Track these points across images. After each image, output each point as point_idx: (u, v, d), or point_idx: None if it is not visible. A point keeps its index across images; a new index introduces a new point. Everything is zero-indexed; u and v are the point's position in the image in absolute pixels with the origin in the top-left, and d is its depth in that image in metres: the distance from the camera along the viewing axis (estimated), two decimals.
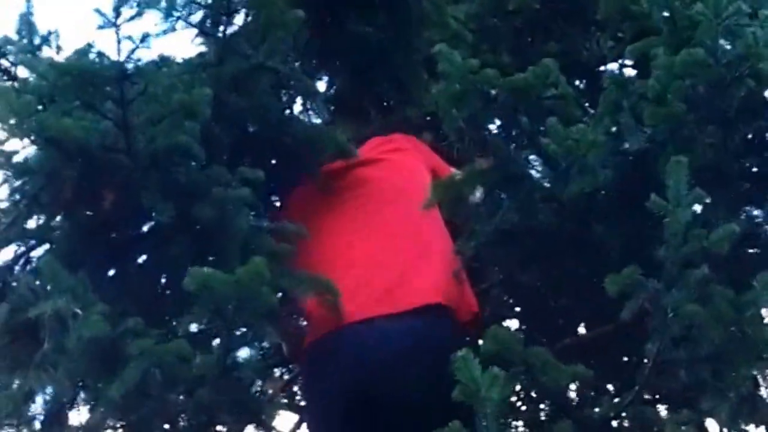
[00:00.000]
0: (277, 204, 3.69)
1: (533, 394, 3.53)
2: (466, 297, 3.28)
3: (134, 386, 2.64)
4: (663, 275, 2.72)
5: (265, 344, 4.26)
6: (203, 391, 2.75)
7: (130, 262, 3.11)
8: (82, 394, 3.00)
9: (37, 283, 2.86)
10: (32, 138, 2.92)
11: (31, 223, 3.08)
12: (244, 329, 2.85)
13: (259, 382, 3.18)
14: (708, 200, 2.83)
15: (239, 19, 3.52)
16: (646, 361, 2.87)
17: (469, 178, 3.23)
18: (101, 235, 3.01)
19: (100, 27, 2.90)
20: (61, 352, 2.71)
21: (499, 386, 2.36)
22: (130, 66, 2.92)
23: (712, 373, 2.78)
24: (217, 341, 2.90)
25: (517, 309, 4.07)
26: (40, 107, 2.88)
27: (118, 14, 2.88)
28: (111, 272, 3.11)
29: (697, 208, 2.83)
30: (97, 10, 2.89)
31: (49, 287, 2.74)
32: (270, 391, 3.75)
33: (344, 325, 3.07)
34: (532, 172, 3.27)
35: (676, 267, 2.71)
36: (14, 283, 3.02)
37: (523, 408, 3.79)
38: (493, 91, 3.13)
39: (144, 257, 3.12)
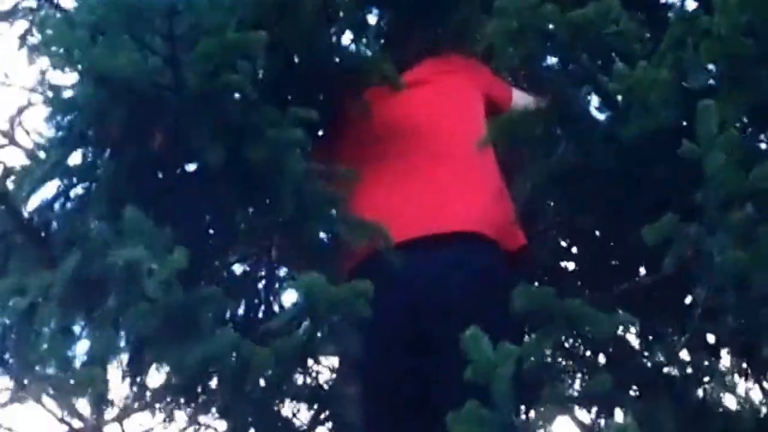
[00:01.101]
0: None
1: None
2: (512, 228, 3.25)
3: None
4: (704, 220, 2.64)
5: None
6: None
7: (176, 202, 3.04)
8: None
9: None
10: (81, 74, 2.86)
11: (74, 159, 3.03)
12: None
13: None
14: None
15: None
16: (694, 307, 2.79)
17: (525, 118, 3.13)
18: (148, 174, 2.95)
19: None
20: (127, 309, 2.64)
21: (512, 362, 2.27)
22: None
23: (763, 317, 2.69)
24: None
25: (574, 251, 3.99)
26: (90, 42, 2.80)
27: None
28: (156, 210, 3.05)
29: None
30: None
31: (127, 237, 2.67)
32: None
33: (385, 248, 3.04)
34: (591, 111, 3.17)
35: (716, 210, 2.62)
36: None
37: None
38: (551, 26, 3.02)
39: (191, 197, 3.06)
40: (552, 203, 3.59)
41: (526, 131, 3.14)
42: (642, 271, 3.70)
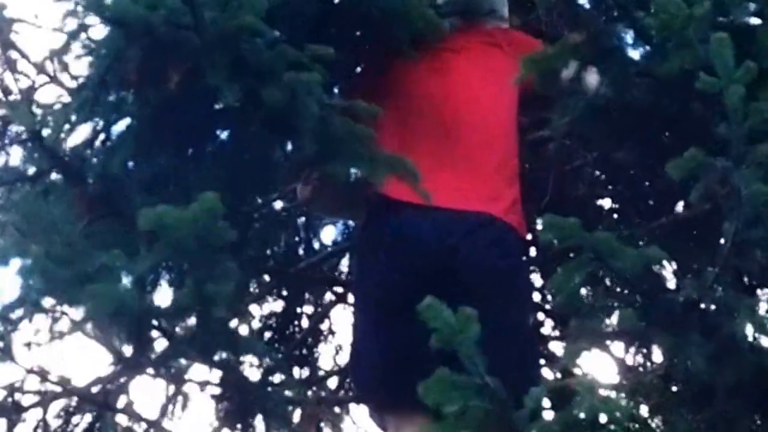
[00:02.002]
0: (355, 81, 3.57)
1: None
2: (517, 215, 3.25)
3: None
4: (730, 153, 2.61)
5: (351, 223, 4.26)
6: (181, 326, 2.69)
7: (206, 143, 3.06)
8: None
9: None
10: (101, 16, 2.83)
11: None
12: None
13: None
14: None
15: None
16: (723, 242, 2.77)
17: (560, 53, 3.12)
18: (173, 116, 2.95)
19: None
20: None
21: (474, 324, 2.27)
22: None
23: None
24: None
25: (611, 187, 3.98)
26: None
27: None
28: (189, 152, 3.07)
29: None
30: None
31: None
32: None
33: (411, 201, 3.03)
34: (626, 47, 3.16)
35: (741, 144, 2.59)
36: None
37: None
38: None
39: (219, 138, 3.08)
40: (589, 138, 3.57)
41: (561, 65, 3.14)
42: (679, 206, 3.69)
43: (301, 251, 4.54)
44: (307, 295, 4.79)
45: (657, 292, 2.98)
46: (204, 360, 2.79)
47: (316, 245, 4.62)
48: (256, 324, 4.64)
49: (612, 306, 3.41)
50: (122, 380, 4.28)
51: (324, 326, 4.87)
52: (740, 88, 2.56)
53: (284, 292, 4.66)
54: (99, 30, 2.98)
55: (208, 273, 2.58)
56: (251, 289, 4.44)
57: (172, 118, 2.90)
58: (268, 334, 4.67)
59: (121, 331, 2.58)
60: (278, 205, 4.41)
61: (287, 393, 3.24)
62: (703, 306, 2.83)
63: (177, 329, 2.66)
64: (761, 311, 2.83)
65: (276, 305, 4.73)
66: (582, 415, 2.21)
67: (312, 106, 2.77)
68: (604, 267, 2.62)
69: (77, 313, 2.76)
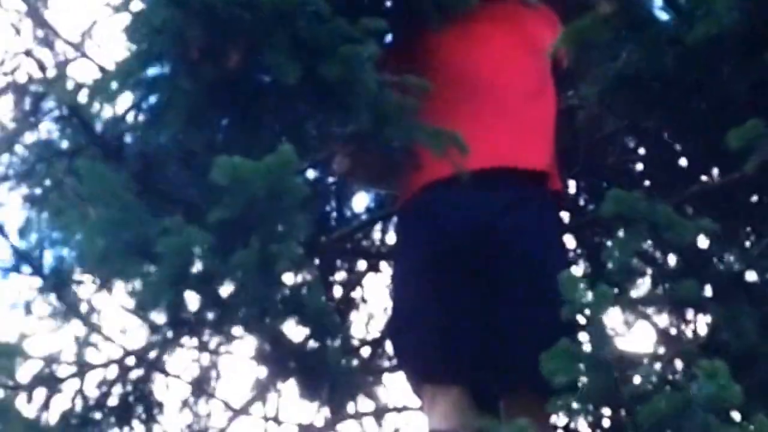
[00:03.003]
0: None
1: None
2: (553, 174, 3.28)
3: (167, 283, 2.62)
4: None
5: (382, 192, 4.27)
6: (243, 281, 2.70)
7: (252, 116, 3.08)
8: None
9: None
10: None
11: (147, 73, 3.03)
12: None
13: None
14: None
15: None
16: None
17: (593, 24, 3.12)
18: (224, 89, 2.97)
19: None
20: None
21: (607, 304, 2.30)
22: None
23: None
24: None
25: (642, 153, 3.98)
26: None
27: None
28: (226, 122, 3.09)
29: None
30: None
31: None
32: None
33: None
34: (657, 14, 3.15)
35: None
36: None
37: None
38: None
39: (266, 110, 3.09)
40: (619, 106, 3.57)
41: (595, 37, 3.14)
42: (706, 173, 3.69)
43: (332, 221, 4.55)
44: (339, 264, 4.81)
45: (699, 261, 3.01)
46: (255, 328, 2.82)
47: (348, 214, 4.63)
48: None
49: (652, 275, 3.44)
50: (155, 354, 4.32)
51: (356, 295, 4.89)
52: None
53: (316, 261, 4.67)
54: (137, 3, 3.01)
55: (275, 231, 2.62)
56: None
57: (222, 92, 2.93)
58: None
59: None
60: (310, 174, 4.43)
61: None
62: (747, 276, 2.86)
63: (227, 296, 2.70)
64: None
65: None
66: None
67: (369, 81, 2.79)
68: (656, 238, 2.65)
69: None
